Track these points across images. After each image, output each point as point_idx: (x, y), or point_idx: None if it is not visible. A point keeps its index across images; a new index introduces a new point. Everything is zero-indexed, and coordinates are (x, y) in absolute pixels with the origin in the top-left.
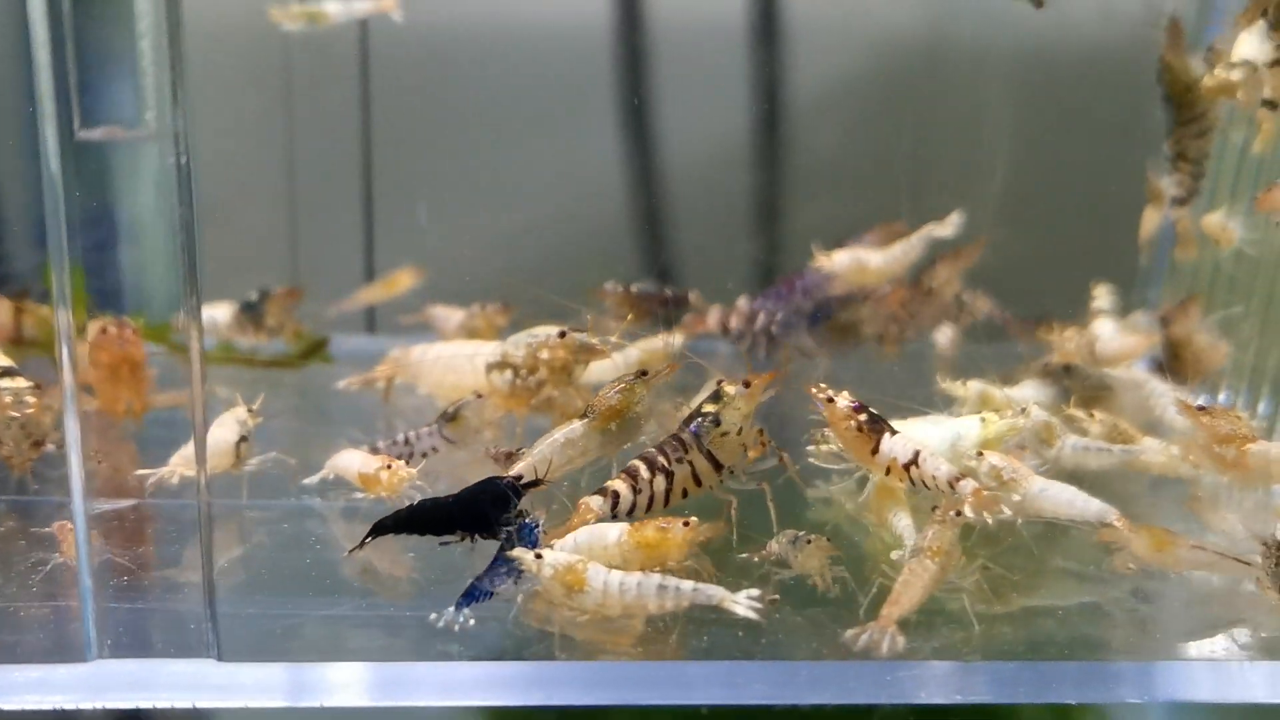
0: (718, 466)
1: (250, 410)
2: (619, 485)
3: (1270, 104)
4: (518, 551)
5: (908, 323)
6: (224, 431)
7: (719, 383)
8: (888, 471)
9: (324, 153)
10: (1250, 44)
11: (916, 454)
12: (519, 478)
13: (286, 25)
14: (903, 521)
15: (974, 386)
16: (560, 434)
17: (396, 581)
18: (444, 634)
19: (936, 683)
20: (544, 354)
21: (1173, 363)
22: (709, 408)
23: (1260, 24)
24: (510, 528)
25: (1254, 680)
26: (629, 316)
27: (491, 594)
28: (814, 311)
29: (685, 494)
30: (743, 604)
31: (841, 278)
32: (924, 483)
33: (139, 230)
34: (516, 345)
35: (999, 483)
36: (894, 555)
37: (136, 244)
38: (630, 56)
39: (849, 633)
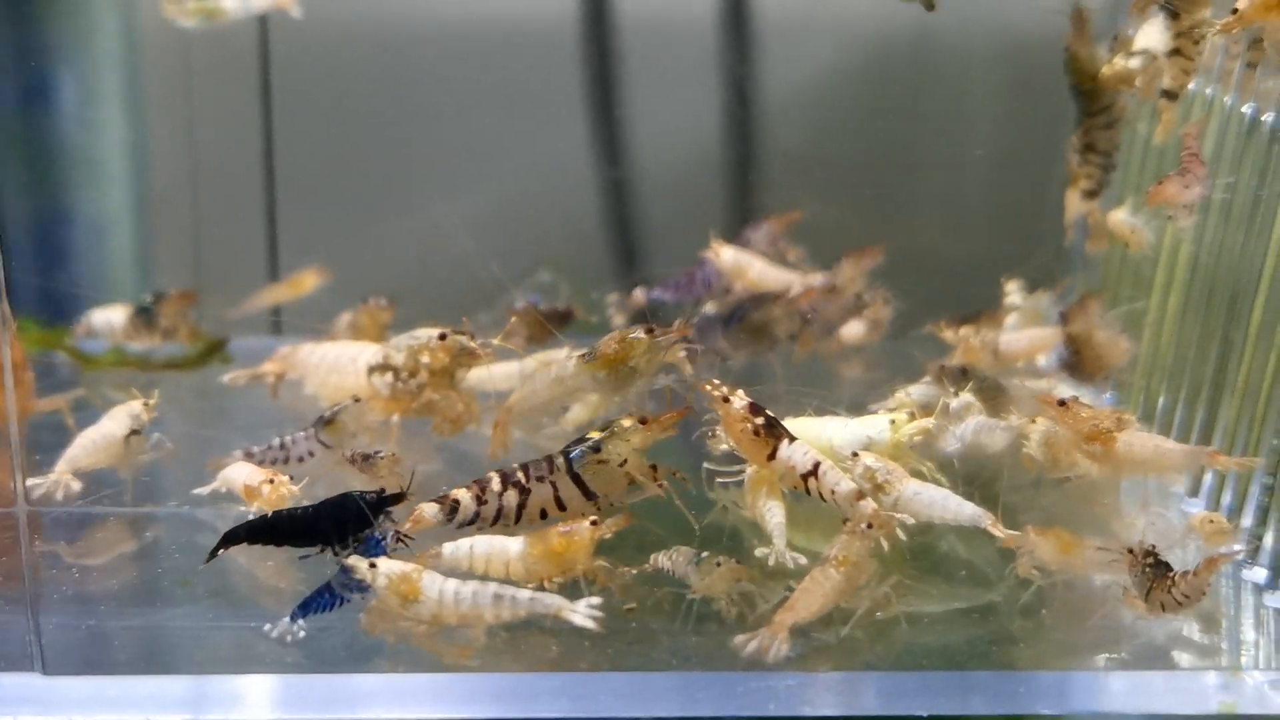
0: (589, 494)
1: (146, 404)
2: (462, 494)
3: (1169, 94)
4: (352, 560)
5: (817, 322)
6: (113, 425)
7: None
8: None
9: (226, 152)
10: (1149, 33)
11: (816, 465)
12: (381, 490)
13: (182, 21)
14: (775, 518)
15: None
16: (554, 370)
17: (254, 592)
18: (280, 645)
19: (787, 695)
20: (425, 357)
21: (1075, 359)
22: (596, 434)
23: (1160, 14)
24: (361, 537)
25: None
26: (511, 323)
27: (330, 605)
28: (728, 314)
29: (545, 515)
30: (581, 613)
31: (724, 273)
32: (821, 495)
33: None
34: (398, 347)
35: (873, 484)
36: (758, 553)
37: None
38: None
39: (739, 638)
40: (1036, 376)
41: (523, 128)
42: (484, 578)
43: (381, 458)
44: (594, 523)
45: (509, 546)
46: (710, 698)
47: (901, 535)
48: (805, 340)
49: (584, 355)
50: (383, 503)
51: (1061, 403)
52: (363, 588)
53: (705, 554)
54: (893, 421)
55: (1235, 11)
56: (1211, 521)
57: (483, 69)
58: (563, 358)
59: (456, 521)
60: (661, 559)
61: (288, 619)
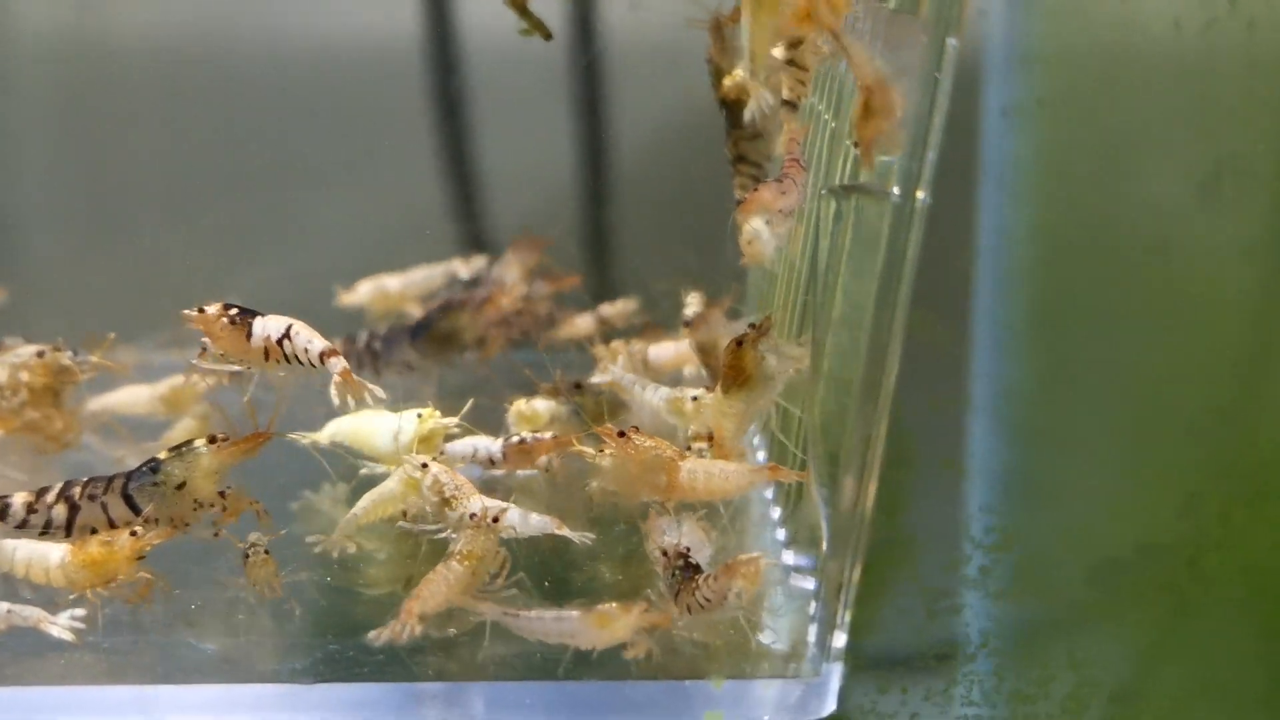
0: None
1: None
2: (17, 498)
3: (789, 104)
4: None
5: (503, 328)
6: None
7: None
8: (266, 356)
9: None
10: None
11: (289, 327)
12: None
13: None
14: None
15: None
16: None
17: None
18: None
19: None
20: (24, 375)
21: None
22: (164, 455)
23: None
24: None
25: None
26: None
27: None
28: (415, 324)
29: (95, 532)
30: (59, 625)
31: (368, 307)
32: (298, 358)
33: None
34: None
35: (440, 498)
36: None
37: None
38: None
39: (372, 633)
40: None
41: (361, 158)
42: (25, 582)
43: None
44: (134, 533)
45: (50, 553)
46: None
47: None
48: (492, 346)
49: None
50: None
51: (621, 434)
52: None
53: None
54: (420, 415)
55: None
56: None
57: (312, 96)
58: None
59: (9, 524)
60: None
61: None
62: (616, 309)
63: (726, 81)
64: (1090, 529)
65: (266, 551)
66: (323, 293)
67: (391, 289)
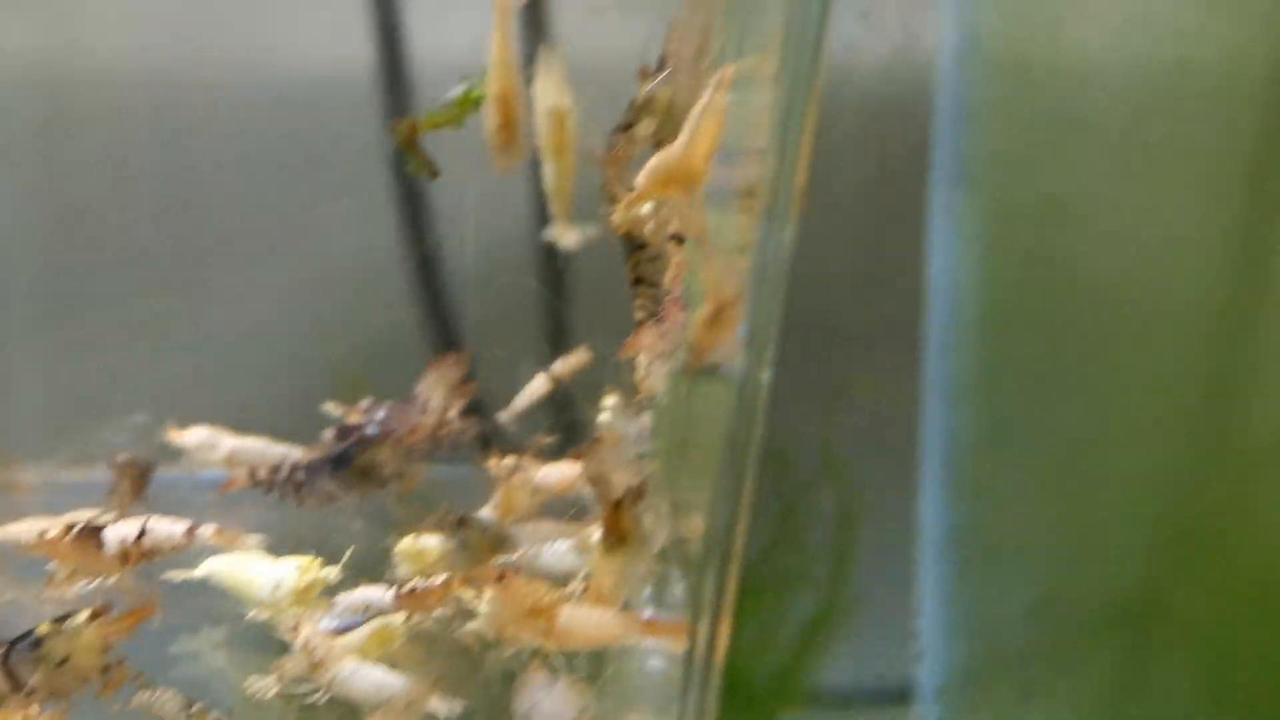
0: (19, 688)
1: None
2: None
3: (676, 238)
4: None
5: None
6: None
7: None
8: (125, 559)
9: None
10: None
11: (143, 526)
12: None
13: None
14: None
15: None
16: None
17: None
18: None
19: None
20: None
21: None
22: (46, 627)
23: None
24: None
25: None
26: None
27: None
28: (335, 457)
29: None
30: None
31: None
32: (165, 549)
33: None
34: None
35: (311, 662)
36: None
37: None
38: None
39: None
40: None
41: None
42: None
43: None
44: None
45: None
46: None
47: None
48: (410, 478)
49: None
50: None
51: (500, 577)
52: None
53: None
54: (300, 567)
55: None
56: None
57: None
58: None
59: None
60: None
61: None
62: (569, 364)
63: (616, 217)
64: (1043, 584)
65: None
66: (253, 384)
67: (222, 448)
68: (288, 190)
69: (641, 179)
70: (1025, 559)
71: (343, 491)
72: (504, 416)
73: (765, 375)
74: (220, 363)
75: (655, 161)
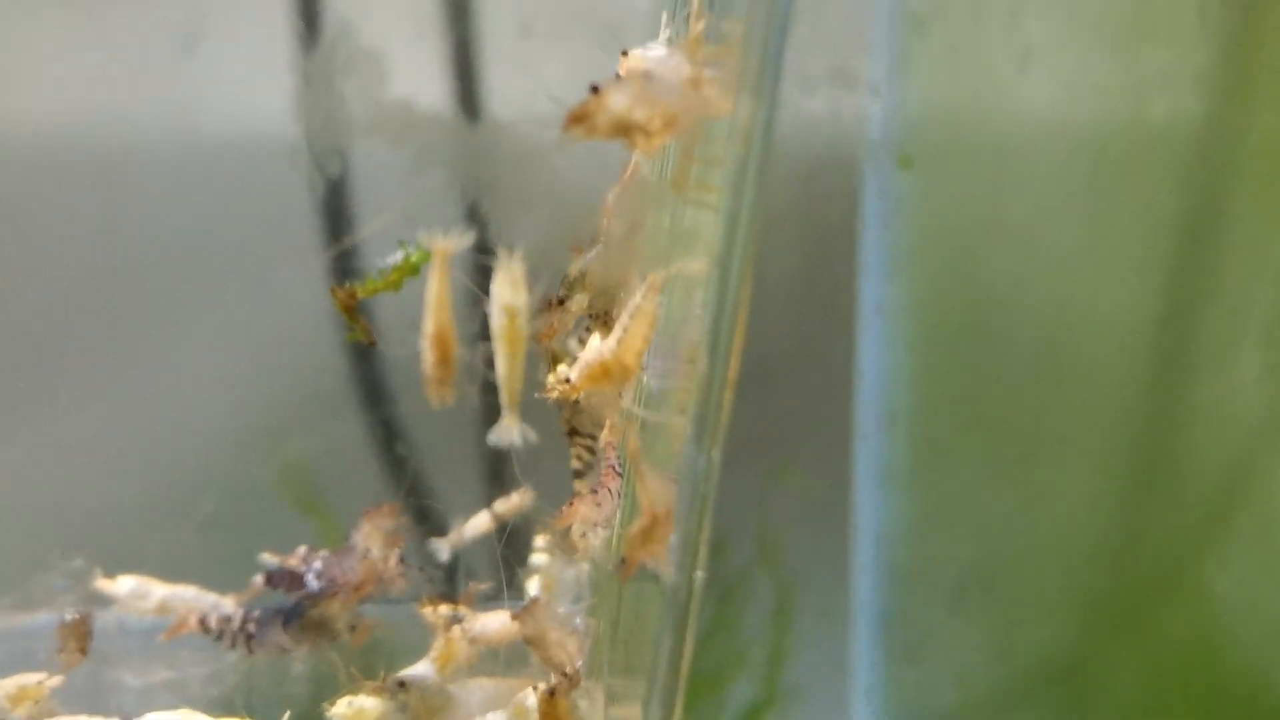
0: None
1: None
2: None
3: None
4: None
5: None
6: None
7: None
8: None
9: None
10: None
11: None
12: None
13: None
14: None
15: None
16: None
17: None
18: None
19: None
20: None
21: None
22: None
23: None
24: None
25: None
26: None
27: None
28: (288, 610)
29: None
30: None
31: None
32: None
33: None
34: None
35: None
36: None
37: None
38: None
39: None
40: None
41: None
42: None
43: None
44: None
45: None
46: None
47: None
48: (363, 631)
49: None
50: None
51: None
52: None
53: None
54: None
55: (567, 380)
56: None
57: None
58: None
59: None
60: None
61: None
62: (512, 504)
63: (550, 379)
64: (976, 665)
65: None
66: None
67: (153, 597)
68: (220, 256)
69: (575, 374)
70: (958, 640)
71: (294, 644)
72: (442, 545)
73: (698, 580)
74: (144, 440)
75: (588, 357)
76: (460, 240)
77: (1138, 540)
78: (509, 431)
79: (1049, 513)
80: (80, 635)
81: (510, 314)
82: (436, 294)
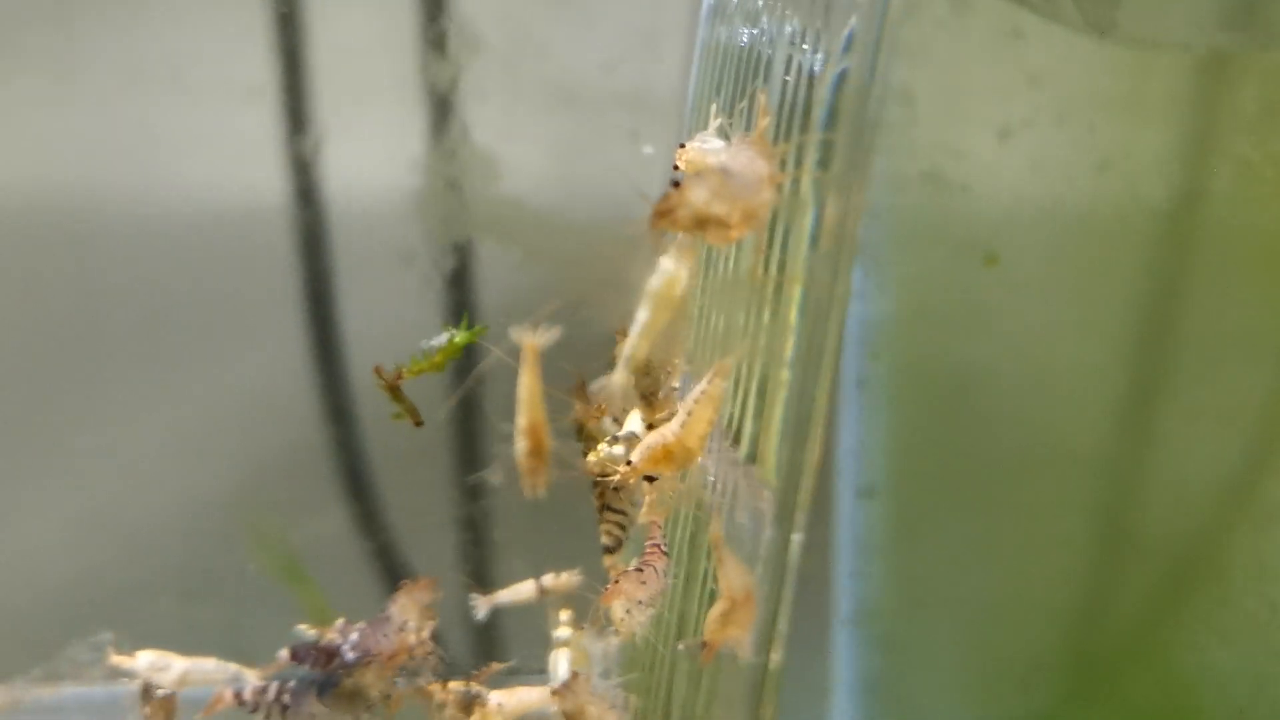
0: None
1: None
2: None
3: (650, 478)
4: None
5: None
6: None
7: None
8: None
9: None
10: (633, 418)
11: None
12: None
13: None
14: None
15: None
16: None
17: None
18: None
19: None
20: None
21: None
22: None
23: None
24: None
25: None
26: None
27: None
28: (323, 681)
29: None
30: None
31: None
32: None
33: None
34: None
35: None
36: None
37: None
38: None
39: None
40: None
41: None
42: None
43: None
44: None
45: None
46: None
47: None
48: (397, 700)
49: None
50: None
51: None
52: None
53: None
54: None
55: (630, 463)
56: None
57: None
58: None
59: None
60: None
61: None
62: (560, 582)
63: (591, 458)
64: None
65: None
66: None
67: (174, 670)
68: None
69: (637, 457)
70: (936, 708)
71: (329, 714)
72: (481, 604)
73: (777, 659)
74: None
75: (652, 440)
76: (548, 335)
77: (1105, 610)
78: (615, 385)
79: (1022, 583)
80: (168, 711)
81: (672, 281)
82: (529, 387)
